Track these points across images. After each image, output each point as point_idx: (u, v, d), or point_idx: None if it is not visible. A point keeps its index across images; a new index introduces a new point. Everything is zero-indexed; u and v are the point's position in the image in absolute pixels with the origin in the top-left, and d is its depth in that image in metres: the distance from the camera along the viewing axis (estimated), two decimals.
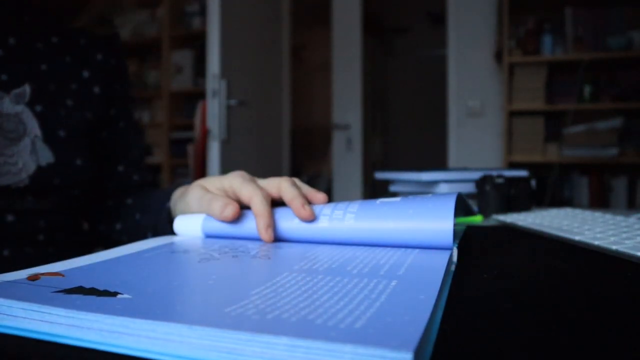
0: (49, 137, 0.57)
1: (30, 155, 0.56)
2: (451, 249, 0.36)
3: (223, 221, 0.43)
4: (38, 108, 0.57)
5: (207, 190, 0.47)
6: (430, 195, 0.41)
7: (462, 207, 0.46)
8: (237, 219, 0.44)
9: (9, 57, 0.56)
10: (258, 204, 0.42)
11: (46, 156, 0.57)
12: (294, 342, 0.18)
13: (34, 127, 0.56)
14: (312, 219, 0.41)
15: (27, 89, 0.57)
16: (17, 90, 0.56)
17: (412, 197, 0.41)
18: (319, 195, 0.45)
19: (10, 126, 0.55)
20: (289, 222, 0.42)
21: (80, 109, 0.62)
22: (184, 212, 0.49)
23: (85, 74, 0.64)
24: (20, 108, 0.56)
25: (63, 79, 0.61)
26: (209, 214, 0.44)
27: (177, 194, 0.53)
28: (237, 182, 0.45)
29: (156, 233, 0.56)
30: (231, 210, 0.43)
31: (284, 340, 0.18)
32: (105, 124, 0.66)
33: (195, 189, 0.48)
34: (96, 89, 0.64)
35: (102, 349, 0.21)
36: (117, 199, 0.68)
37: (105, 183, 0.68)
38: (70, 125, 0.60)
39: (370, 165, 3.47)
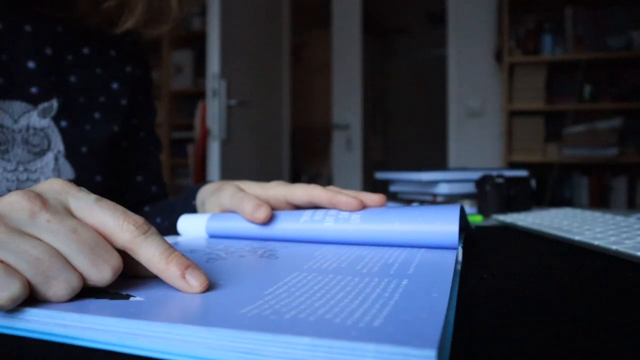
0: (71, 153, 0.57)
1: (53, 171, 0.55)
2: (456, 248, 0.36)
3: (253, 222, 0.43)
4: (63, 123, 0.57)
5: (241, 189, 0.47)
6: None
7: (463, 217, 0.46)
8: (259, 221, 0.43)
9: (41, 69, 0.55)
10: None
11: (67, 172, 0.57)
12: (316, 342, 0.18)
13: (57, 142, 0.56)
14: (362, 206, 0.42)
15: (54, 103, 0.56)
16: (44, 105, 0.55)
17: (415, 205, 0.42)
18: (374, 197, 0.44)
19: (36, 140, 0.54)
20: (294, 223, 0.42)
21: (108, 122, 0.61)
22: (214, 209, 0.48)
23: (115, 85, 0.63)
24: (46, 122, 0.55)
25: (92, 91, 0.61)
26: (240, 213, 0.44)
27: (209, 190, 0.51)
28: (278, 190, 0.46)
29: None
30: (263, 212, 0.42)
31: (305, 340, 0.18)
32: (127, 134, 0.66)
33: (230, 186, 0.47)
34: (124, 101, 0.64)
35: (117, 350, 0.21)
36: (136, 209, 0.67)
37: (124, 194, 0.67)
38: (95, 139, 0.59)
39: (370, 165, 3.47)
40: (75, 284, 0.23)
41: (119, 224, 0.25)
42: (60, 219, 0.24)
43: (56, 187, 0.26)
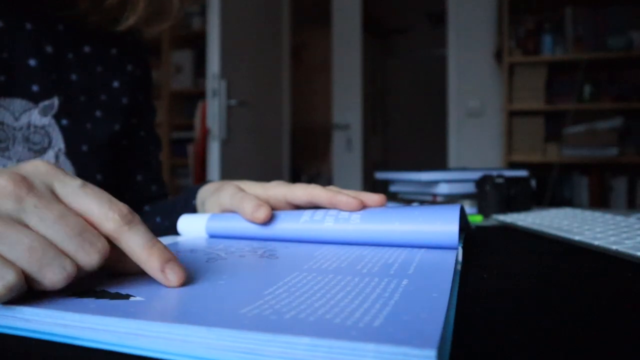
0: (71, 151, 0.57)
1: None
2: (456, 248, 0.36)
3: (253, 222, 0.43)
4: (64, 121, 0.57)
5: (241, 189, 0.47)
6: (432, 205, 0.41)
7: (463, 217, 0.46)
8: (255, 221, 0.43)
9: (42, 67, 0.55)
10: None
11: (67, 171, 0.57)
12: (316, 342, 0.18)
13: (58, 140, 0.56)
14: (362, 206, 0.42)
15: (55, 101, 0.56)
16: (45, 103, 0.55)
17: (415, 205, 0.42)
18: (374, 197, 0.43)
19: (37, 139, 0.54)
20: (294, 223, 0.42)
21: (109, 121, 0.61)
22: (214, 208, 0.48)
23: (115, 84, 0.63)
24: (47, 120, 0.55)
25: (93, 89, 0.61)
26: (240, 213, 0.43)
27: (209, 190, 0.52)
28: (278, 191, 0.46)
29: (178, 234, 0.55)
30: (263, 212, 0.42)
31: (305, 340, 0.18)
32: (127, 133, 0.66)
33: (230, 186, 0.47)
34: (124, 100, 0.64)
35: (117, 350, 0.21)
36: (135, 208, 0.67)
37: (123, 194, 0.67)
38: (95, 138, 0.59)
39: (370, 165, 3.47)
40: (69, 268, 0.23)
41: (103, 213, 0.26)
42: (47, 204, 0.24)
43: (42, 169, 0.26)
